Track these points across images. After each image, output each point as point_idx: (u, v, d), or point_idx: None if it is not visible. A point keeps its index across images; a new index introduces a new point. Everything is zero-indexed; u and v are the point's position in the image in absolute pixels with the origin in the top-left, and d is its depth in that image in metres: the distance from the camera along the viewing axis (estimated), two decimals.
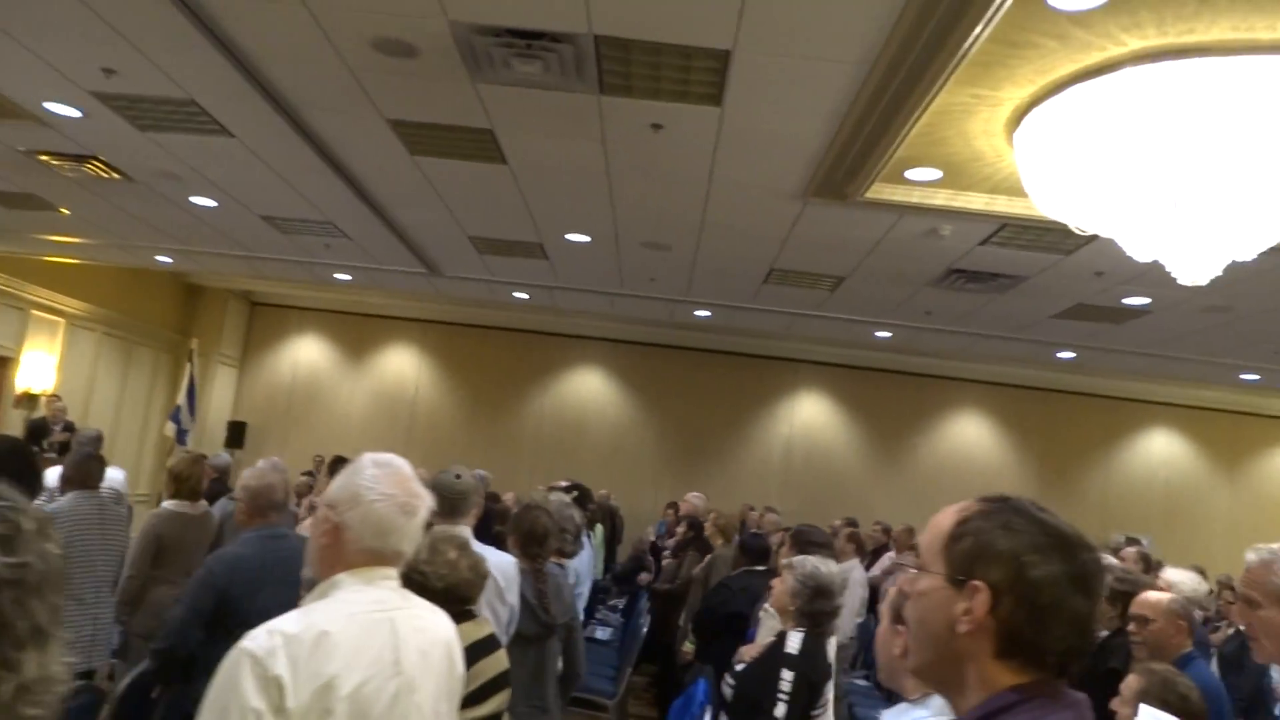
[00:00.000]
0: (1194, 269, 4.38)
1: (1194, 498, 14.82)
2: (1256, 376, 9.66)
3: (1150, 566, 11.73)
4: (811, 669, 3.08)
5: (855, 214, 5.92)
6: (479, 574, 2.59)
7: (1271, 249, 5.42)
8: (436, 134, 5.13)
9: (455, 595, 2.44)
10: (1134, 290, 6.94)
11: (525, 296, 9.74)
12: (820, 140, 4.75)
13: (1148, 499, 14.81)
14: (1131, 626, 3.26)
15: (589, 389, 15.19)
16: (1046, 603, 1.06)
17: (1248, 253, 4.36)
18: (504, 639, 3.31)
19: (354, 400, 14.96)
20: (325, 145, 5.48)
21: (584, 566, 4.86)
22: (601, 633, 6.77)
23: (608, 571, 8.88)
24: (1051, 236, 5.92)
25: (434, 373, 15.09)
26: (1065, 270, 6.63)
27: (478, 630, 2.57)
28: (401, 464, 1.86)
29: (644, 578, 7.95)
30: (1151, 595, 3.33)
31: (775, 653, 3.12)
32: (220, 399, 14.20)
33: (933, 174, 5.21)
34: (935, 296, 7.65)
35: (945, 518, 1.18)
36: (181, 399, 10.58)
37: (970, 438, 15.02)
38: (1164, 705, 2.65)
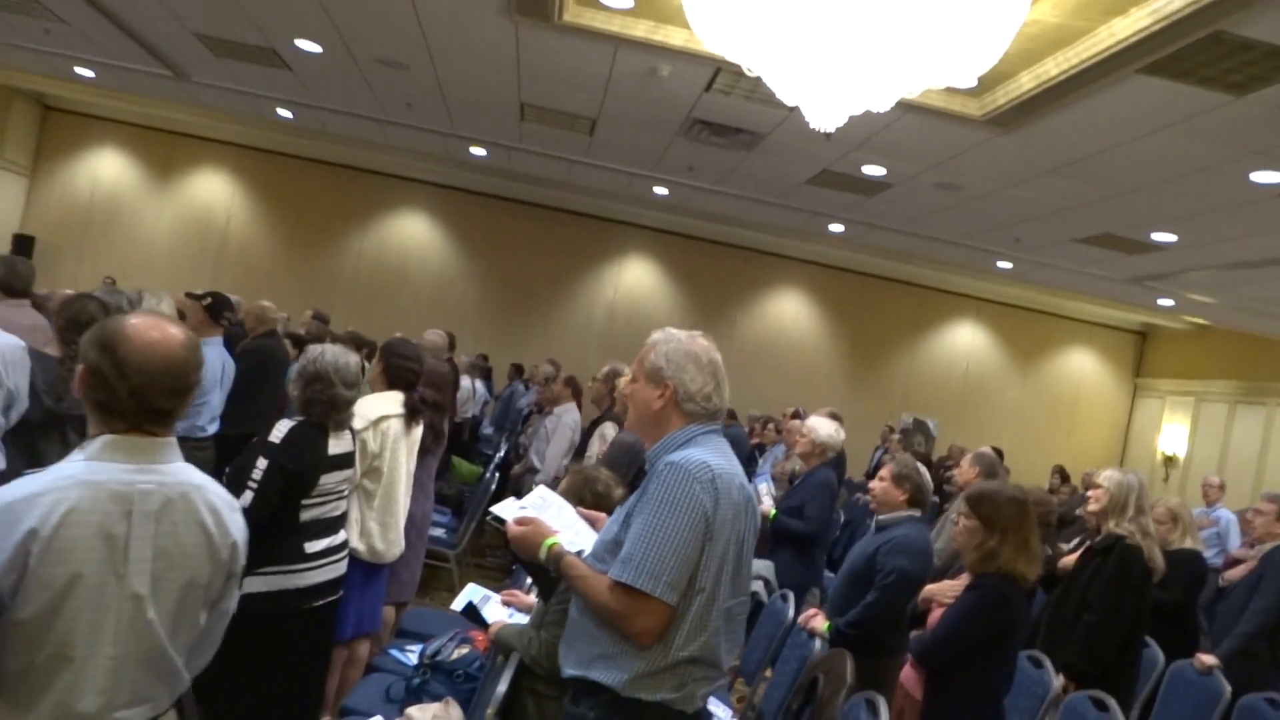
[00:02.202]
0: (825, 113, 4.37)
1: (989, 388, 15.58)
2: (1009, 265, 10.00)
3: (910, 445, 12.31)
4: (291, 458, 3.05)
5: (571, 43, 5.74)
6: None
7: (990, 129, 5.50)
8: None
9: None
10: (867, 158, 6.99)
11: (289, 115, 9.26)
12: None
13: (947, 385, 15.50)
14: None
15: (413, 234, 14.81)
16: None
17: (882, 103, 4.36)
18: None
19: (159, 223, 14.24)
20: None
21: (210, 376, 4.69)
22: None
23: None
24: (767, 88, 5.84)
25: (249, 202, 14.44)
26: (797, 129, 6.59)
27: None
28: None
29: None
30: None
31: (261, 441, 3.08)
32: (4, 209, 13.31)
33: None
34: (690, 150, 7.58)
35: None
36: None
37: (789, 315, 15.31)
38: (579, 500, 2.72)
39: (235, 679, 3.13)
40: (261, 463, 3.01)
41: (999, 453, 7.34)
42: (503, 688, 2.46)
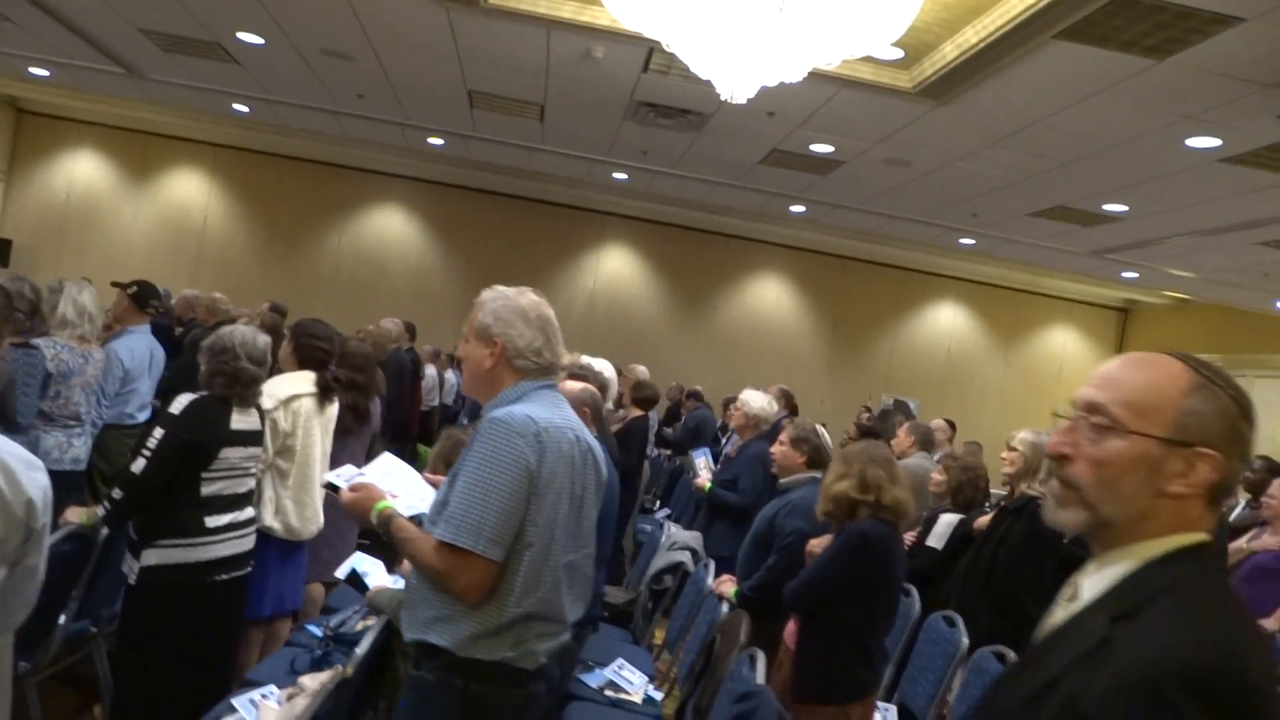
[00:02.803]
0: (738, 84, 4.39)
1: (972, 369, 15.57)
2: (972, 241, 10.00)
3: (888, 426, 12.33)
4: (188, 429, 3.08)
5: (503, 27, 5.76)
6: None
7: (925, 102, 5.50)
8: None
9: None
10: (813, 136, 7.00)
11: (245, 109, 9.29)
12: None
13: (930, 367, 15.50)
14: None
15: (391, 228, 14.83)
16: None
17: (794, 74, 4.38)
18: None
19: (136, 224, 14.28)
20: None
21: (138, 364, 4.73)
22: None
23: None
24: None
25: (225, 201, 14.46)
26: (740, 109, 6.60)
27: None
28: None
29: None
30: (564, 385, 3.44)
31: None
32: None
33: None
34: (641, 134, 7.60)
35: None
36: None
37: (769, 300, 15.30)
38: (448, 464, 2.74)
39: (140, 650, 3.18)
40: (158, 432, 3.04)
41: (951, 424, 7.40)
42: (362, 650, 2.49)
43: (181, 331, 7.53)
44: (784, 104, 6.40)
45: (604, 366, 4.42)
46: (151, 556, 3.09)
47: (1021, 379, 15.57)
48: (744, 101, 4.38)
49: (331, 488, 2.27)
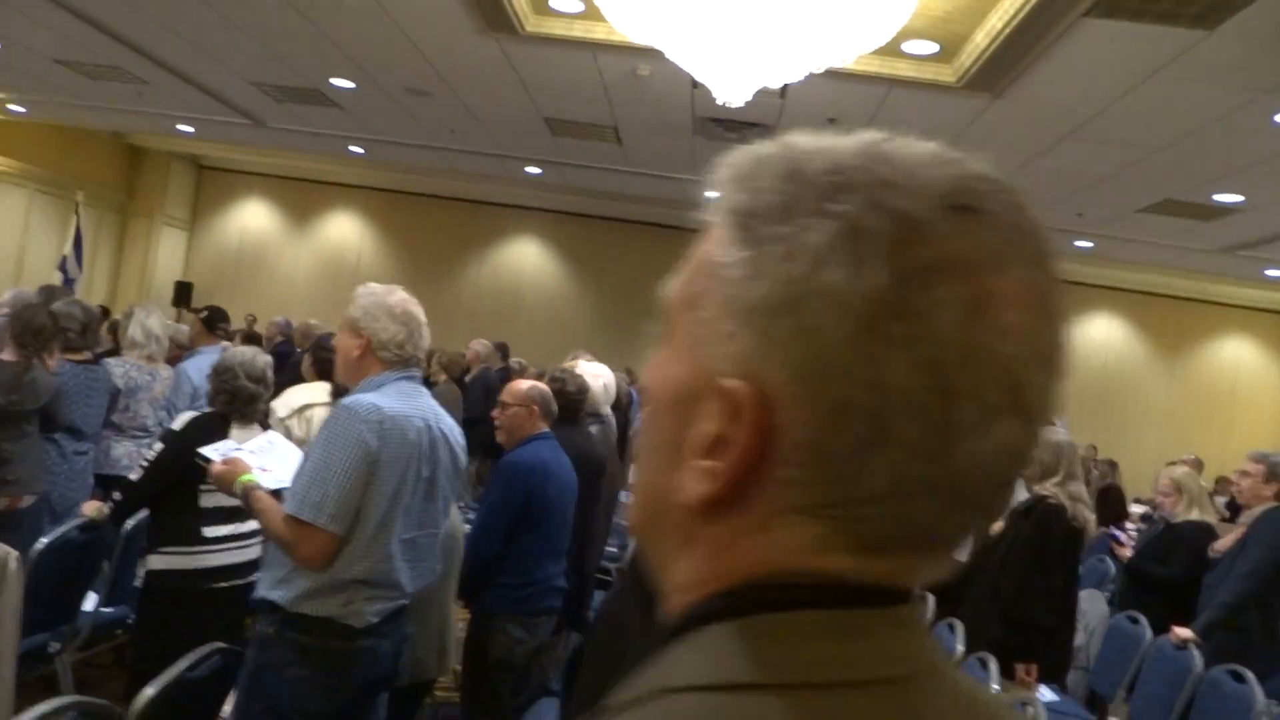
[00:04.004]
0: (733, 88, 4.40)
1: (1131, 384, 14.50)
2: (1089, 244, 9.38)
3: None
4: (186, 444, 3.39)
5: (552, 53, 6.01)
6: None
7: (977, 96, 5.36)
8: None
9: None
10: None
11: (360, 150, 10.00)
12: None
13: (1083, 382, 14.51)
14: (495, 411, 3.51)
15: (526, 259, 15.45)
16: None
17: (793, 74, 4.35)
18: None
19: (299, 265, 15.53)
20: None
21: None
22: None
23: None
24: None
25: (376, 240, 15.51)
26: (801, 117, 6.57)
27: None
28: None
29: None
30: (513, 384, 3.57)
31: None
32: (168, 260, 14.94)
33: (575, 3, 5.26)
34: (715, 150, 7.60)
35: None
36: (68, 249, 11.23)
37: None
38: None
39: (149, 650, 3.51)
40: (158, 446, 3.36)
41: None
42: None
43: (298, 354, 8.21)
44: (841, 110, 6.31)
45: (599, 371, 4.52)
46: (156, 562, 3.37)
47: (1190, 395, 14.34)
48: (740, 104, 4.36)
49: (202, 459, 2.49)
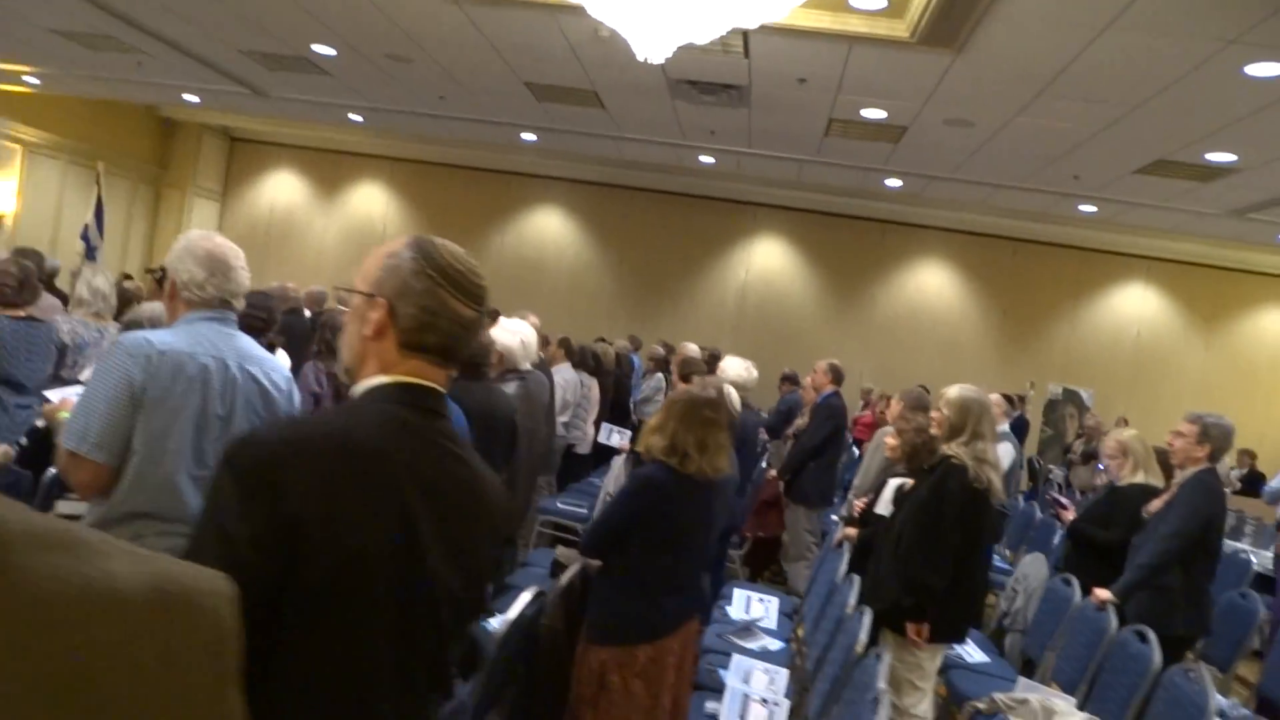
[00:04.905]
0: (654, 44, 4.35)
1: (1165, 356, 14.06)
2: (1093, 208, 9.09)
3: (1060, 417, 11.44)
4: None
5: (514, 15, 6.01)
6: None
7: (936, 51, 5.26)
8: None
9: None
10: (859, 100, 6.72)
11: (359, 119, 10.10)
12: None
13: (1115, 354, 14.15)
14: None
15: (548, 228, 15.49)
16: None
17: (710, 32, 4.29)
18: None
19: (327, 235, 15.80)
20: None
21: None
22: None
23: None
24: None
25: (401, 210, 15.69)
26: (768, 78, 6.49)
27: None
28: None
29: None
30: None
31: None
32: (201, 230, 15.30)
33: None
34: (697, 113, 7.60)
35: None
36: (89, 218, 11.58)
37: (932, 287, 14.61)
38: None
39: None
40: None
41: (1010, 399, 6.96)
42: None
43: (315, 314, 8.23)
44: (809, 70, 6.21)
45: (517, 327, 4.54)
46: (63, 507, 3.54)
47: (1229, 366, 13.85)
48: (660, 60, 4.32)
49: (44, 399, 2.59)
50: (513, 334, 4.47)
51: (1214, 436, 4.23)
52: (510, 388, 4.44)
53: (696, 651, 3.34)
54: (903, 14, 5.22)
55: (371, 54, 7.30)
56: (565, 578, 3.34)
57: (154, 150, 14.65)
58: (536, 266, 15.39)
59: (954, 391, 3.85)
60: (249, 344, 2.50)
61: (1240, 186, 7.18)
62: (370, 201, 15.73)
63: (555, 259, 15.41)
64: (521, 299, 14.88)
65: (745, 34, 5.76)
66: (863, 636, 3.23)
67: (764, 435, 9.47)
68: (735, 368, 5.14)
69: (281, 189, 15.82)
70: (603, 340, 13.75)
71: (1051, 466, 11.07)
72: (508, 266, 15.42)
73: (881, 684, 2.67)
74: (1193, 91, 5.45)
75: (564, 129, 9.02)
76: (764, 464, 7.00)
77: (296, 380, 5.05)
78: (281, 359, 4.53)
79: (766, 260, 14.93)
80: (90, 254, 10.89)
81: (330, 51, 7.36)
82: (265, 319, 4.43)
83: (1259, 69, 5.01)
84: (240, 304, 2.57)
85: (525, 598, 3.00)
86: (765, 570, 6.81)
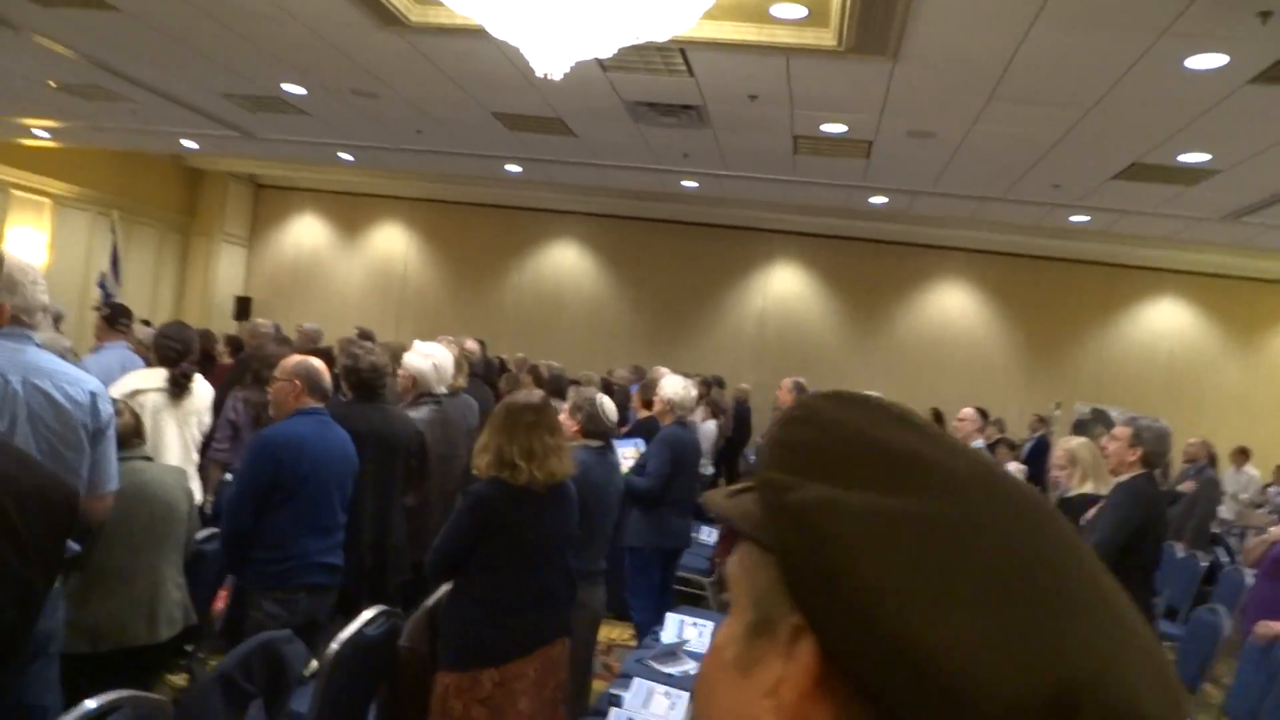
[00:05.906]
0: (550, 59, 4.33)
1: (1201, 372, 13.55)
2: (1085, 218, 8.80)
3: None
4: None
5: (457, 44, 6.07)
6: None
7: (871, 59, 5.20)
8: None
9: None
10: (815, 115, 6.63)
11: (349, 158, 10.28)
12: None
13: (1147, 372, 13.67)
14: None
15: (566, 262, 15.58)
16: None
17: (604, 49, 4.27)
18: None
19: (351, 277, 16.10)
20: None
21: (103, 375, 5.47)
22: None
23: None
24: (644, 55, 5.79)
25: (421, 249, 15.94)
26: (720, 96, 6.45)
27: None
28: None
29: None
30: (284, 360, 3.60)
31: None
32: (228, 276, 15.73)
33: None
34: (663, 136, 7.58)
35: None
36: (105, 267, 11.94)
37: (954, 309, 14.34)
38: None
39: None
40: None
41: (983, 413, 6.70)
42: None
43: (308, 352, 8.45)
44: (756, 85, 6.17)
45: (432, 351, 4.52)
46: None
47: (1268, 382, 13.28)
48: (559, 77, 4.31)
49: None
50: (425, 358, 4.46)
51: (1146, 440, 4.02)
52: (422, 412, 4.43)
53: (562, 676, 3.23)
54: (826, 23, 5.15)
55: (339, 90, 7.45)
56: (431, 600, 3.30)
57: (181, 199, 15.12)
58: (555, 301, 15.46)
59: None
60: (43, 359, 2.52)
61: (1225, 188, 6.90)
62: (391, 242, 16.01)
63: (574, 293, 15.47)
64: (542, 334, 15.01)
65: (684, 51, 5.74)
66: None
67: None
68: (673, 386, 5.07)
69: (306, 233, 16.19)
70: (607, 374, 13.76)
71: None
72: (526, 302, 15.53)
73: None
74: (1140, 89, 5.26)
75: (543, 158, 9.07)
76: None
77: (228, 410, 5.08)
78: (200, 385, 4.59)
79: (784, 286, 14.81)
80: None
81: (301, 90, 7.52)
82: (180, 349, 4.53)
83: (1199, 61, 4.81)
84: (36, 320, 2.60)
85: (366, 615, 2.96)
86: None
